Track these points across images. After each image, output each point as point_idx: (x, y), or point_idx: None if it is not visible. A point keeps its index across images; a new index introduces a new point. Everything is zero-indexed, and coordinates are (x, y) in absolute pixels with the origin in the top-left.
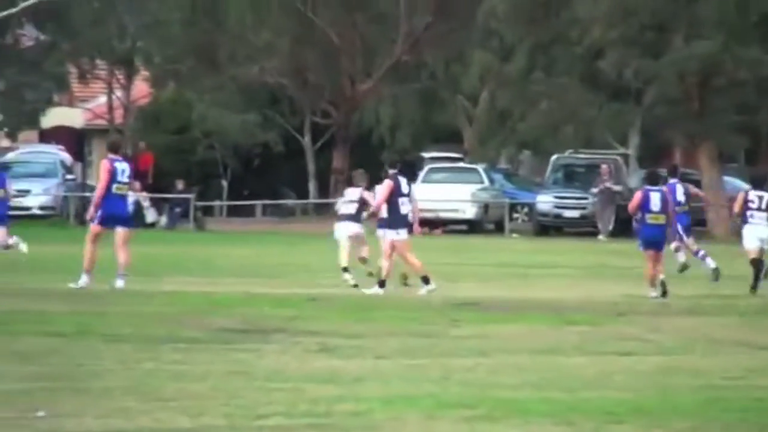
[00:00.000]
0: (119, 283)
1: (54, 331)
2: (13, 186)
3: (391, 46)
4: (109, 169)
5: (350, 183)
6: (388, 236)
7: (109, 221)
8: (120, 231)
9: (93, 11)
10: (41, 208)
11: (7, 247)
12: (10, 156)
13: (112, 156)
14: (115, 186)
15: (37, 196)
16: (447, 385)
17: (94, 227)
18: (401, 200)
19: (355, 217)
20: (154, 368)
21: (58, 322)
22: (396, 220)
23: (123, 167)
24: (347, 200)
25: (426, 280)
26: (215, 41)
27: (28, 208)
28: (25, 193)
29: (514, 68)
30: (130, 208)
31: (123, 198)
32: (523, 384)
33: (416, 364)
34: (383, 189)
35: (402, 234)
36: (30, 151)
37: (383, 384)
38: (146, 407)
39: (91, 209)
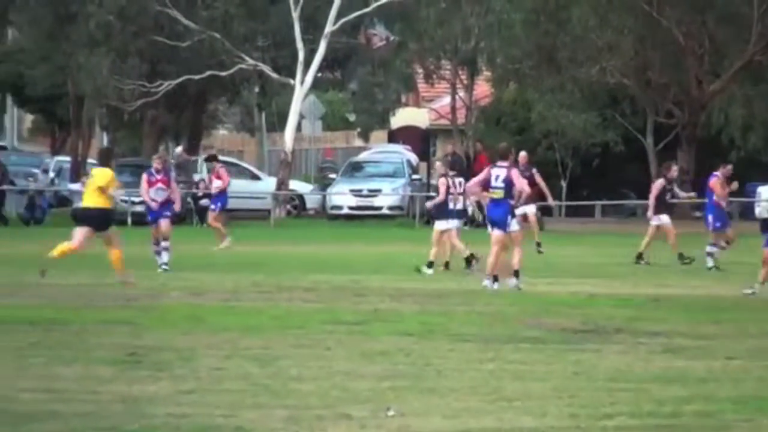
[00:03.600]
0: (512, 282)
1: (404, 330)
2: (356, 186)
3: (743, 47)
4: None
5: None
6: None
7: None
8: (497, 234)
9: (439, 12)
10: (390, 207)
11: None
12: (362, 156)
13: (501, 163)
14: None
15: (387, 195)
16: None
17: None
18: None
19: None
20: (497, 368)
21: (408, 322)
22: None
23: (498, 173)
24: None
25: None
26: (557, 42)
27: (378, 208)
28: (376, 192)
29: None
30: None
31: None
32: None
33: (753, 367)
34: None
35: None
36: (379, 150)
37: (734, 385)
38: (490, 407)
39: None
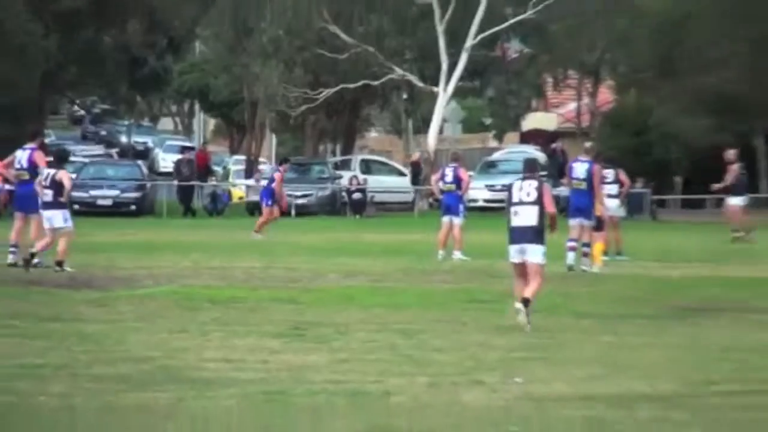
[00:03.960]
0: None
1: (532, 308)
2: (491, 182)
3: None
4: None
5: None
6: None
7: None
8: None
9: (568, 27)
10: None
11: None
12: (496, 155)
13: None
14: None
15: None
16: None
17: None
18: None
19: None
20: (614, 341)
21: (536, 300)
22: None
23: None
24: None
25: None
26: (675, 53)
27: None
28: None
29: None
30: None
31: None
32: None
33: None
34: None
35: None
36: (512, 150)
37: None
38: (607, 375)
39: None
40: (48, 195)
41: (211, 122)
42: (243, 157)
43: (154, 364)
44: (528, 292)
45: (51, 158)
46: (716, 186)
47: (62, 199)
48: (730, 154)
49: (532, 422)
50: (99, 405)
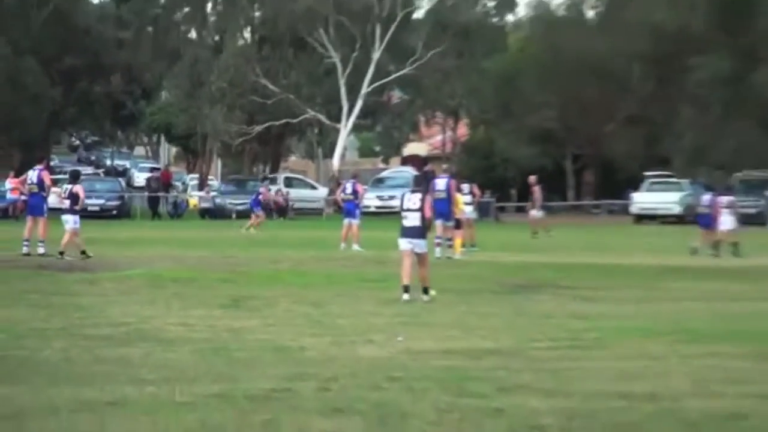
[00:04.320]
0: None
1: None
2: (380, 193)
3: (625, 103)
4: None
5: None
6: None
7: None
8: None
9: (435, 80)
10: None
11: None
12: (383, 174)
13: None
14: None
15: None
16: (657, 320)
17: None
18: None
19: None
20: (467, 309)
21: (414, 280)
22: None
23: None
24: None
25: None
26: (511, 100)
27: (394, 207)
28: (393, 197)
29: None
30: None
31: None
32: None
33: (631, 308)
34: None
35: None
36: (395, 170)
37: (620, 320)
38: (462, 334)
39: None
40: (66, 204)
41: (174, 150)
42: (197, 176)
43: (130, 327)
44: (425, 282)
45: (54, 176)
46: (528, 205)
47: (77, 207)
48: (532, 179)
49: (409, 369)
50: (90, 357)
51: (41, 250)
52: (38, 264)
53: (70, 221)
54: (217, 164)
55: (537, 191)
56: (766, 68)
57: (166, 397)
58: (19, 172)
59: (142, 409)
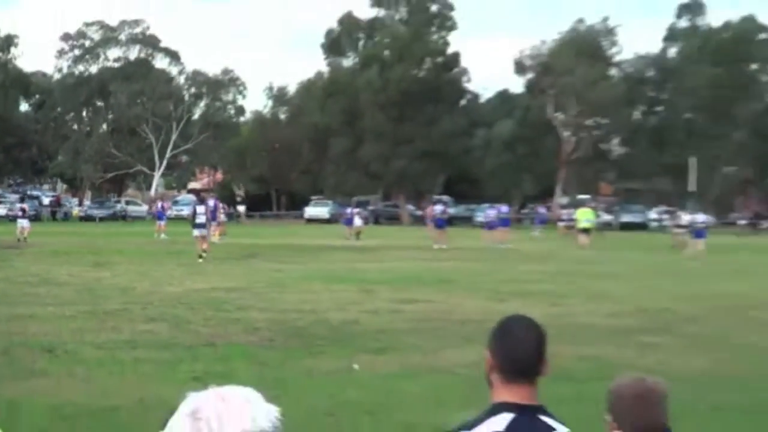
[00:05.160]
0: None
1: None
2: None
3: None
4: None
5: None
6: None
7: None
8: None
9: (203, 146)
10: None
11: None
12: (178, 198)
13: None
14: None
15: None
16: (318, 273)
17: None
18: None
19: None
20: (223, 267)
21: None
22: None
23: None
24: None
25: None
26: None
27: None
28: (183, 210)
29: None
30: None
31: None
32: None
33: (305, 267)
34: None
35: None
36: (184, 197)
37: (299, 273)
38: (221, 280)
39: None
40: (20, 213)
41: (64, 186)
42: (77, 199)
43: (39, 277)
44: (202, 252)
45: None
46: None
47: (25, 215)
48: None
49: (192, 298)
50: (20, 292)
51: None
52: (6, 245)
53: (23, 223)
54: (88, 194)
55: (243, 208)
56: (367, 146)
57: (60, 313)
58: None
59: (46, 320)
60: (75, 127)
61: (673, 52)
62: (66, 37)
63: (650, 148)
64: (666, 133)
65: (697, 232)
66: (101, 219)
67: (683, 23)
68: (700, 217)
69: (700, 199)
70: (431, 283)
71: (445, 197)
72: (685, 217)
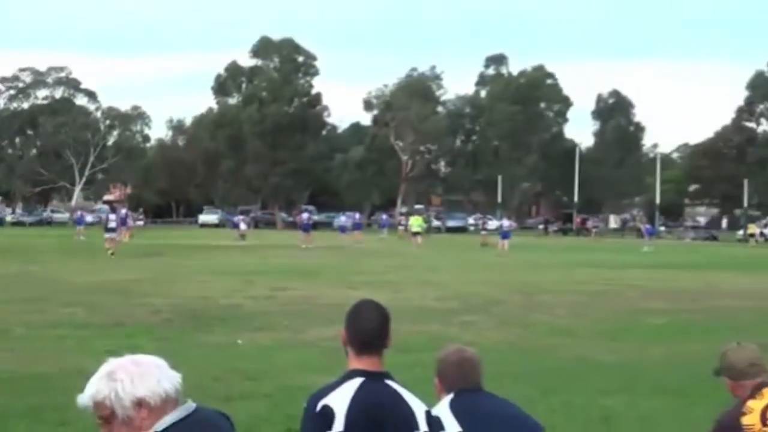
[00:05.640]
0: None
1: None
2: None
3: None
4: None
5: None
6: None
7: None
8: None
9: (117, 169)
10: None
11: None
12: (96, 207)
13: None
14: None
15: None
16: (216, 265)
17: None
18: None
19: None
20: (124, 262)
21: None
22: None
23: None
24: None
25: None
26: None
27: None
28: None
29: None
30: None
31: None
32: None
33: (201, 261)
34: None
35: None
36: (100, 206)
37: (197, 265)
38: (122, 274)
39: None
40: None
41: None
42: (10, 209)
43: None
44: (108, 250)
45: None
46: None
47: None
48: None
49: (107, 287)
50: None
51: None
52: None
53: None
54: (20, 204)
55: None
56: (249, 166)
57: None
58: None
59: None
60: (10, 151)
61: (483, 93)
62: (3, 79)
63: (468, 168)
64: (479, 156)
65: (503, 234)
66: (30, 224)
67: (491, 71)
68: (506, 222)
69: (505, 208)
70: (300, 275)
71: (310, 207)
72: (494, 223)
